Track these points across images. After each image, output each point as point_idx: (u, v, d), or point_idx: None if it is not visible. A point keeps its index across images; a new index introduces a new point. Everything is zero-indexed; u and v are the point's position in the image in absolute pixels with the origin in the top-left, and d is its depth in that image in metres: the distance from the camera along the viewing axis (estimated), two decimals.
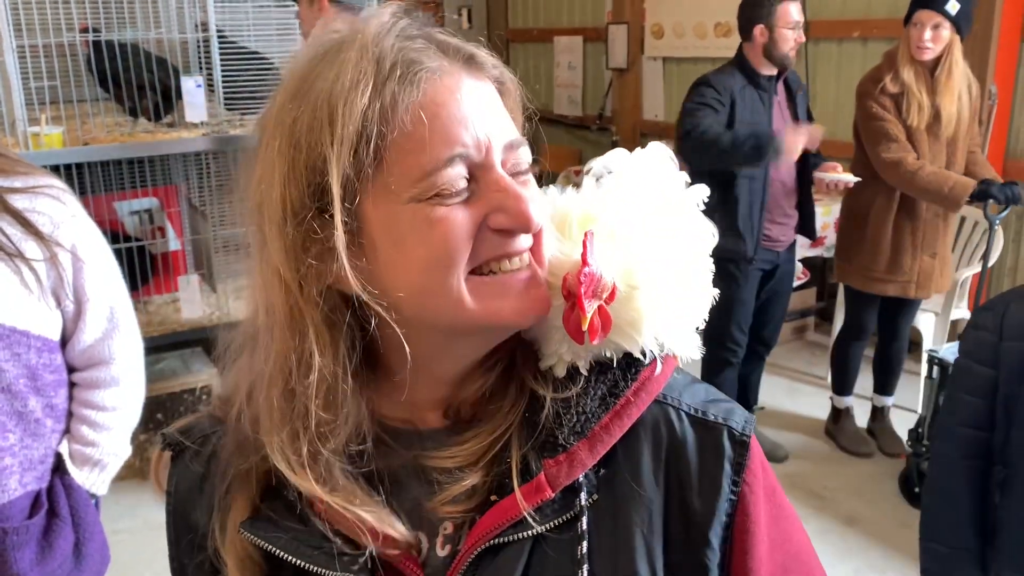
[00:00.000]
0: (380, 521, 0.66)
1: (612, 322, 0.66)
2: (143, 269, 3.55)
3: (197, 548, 0.74)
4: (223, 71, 3.15)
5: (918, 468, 3.20)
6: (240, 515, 0.69)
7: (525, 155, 0.67)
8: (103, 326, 1.49)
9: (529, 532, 0.65)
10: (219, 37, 3.15)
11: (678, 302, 0.69)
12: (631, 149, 0.76)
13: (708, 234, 0.73)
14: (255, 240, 0.66)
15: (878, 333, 3.62)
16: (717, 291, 0.73)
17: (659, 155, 0.75)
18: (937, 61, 3.10)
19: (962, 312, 3.89)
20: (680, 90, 5.88)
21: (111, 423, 1.53)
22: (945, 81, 3.09)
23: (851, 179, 3.25)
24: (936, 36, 3.04)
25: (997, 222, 3.21)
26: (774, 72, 3.17)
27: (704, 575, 0.68)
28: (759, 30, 3.10)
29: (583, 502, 0.66)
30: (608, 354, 0.69)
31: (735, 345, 3.31)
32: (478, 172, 0.64)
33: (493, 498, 0.67)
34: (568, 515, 0.66)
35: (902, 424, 3.67)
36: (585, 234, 0.66)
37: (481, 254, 0.64)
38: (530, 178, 0.68)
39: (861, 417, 3.76)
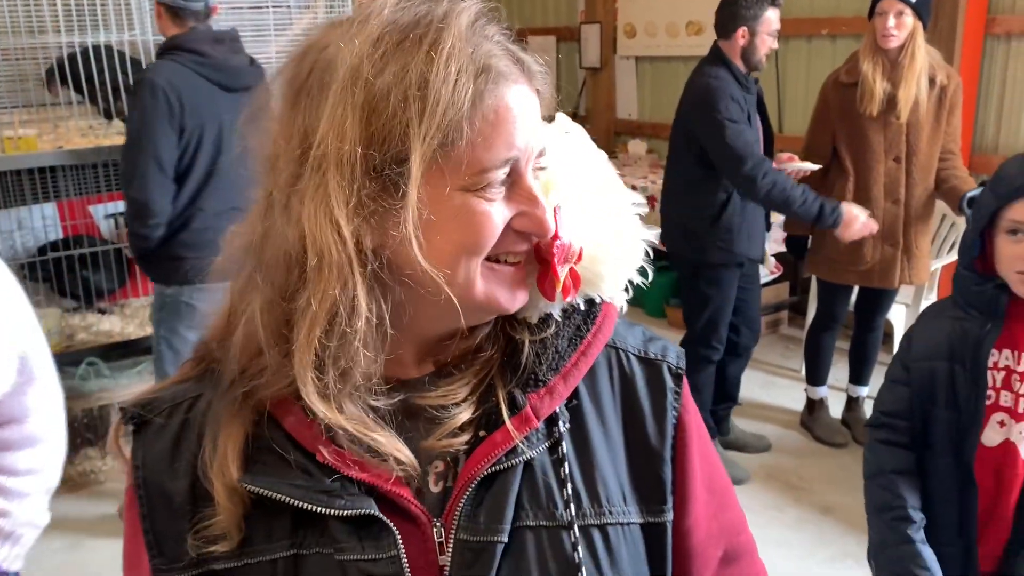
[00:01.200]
0: (391, 445, 0.71)
1: (581, 280, 0.77)
2: (119, 272, 3.53)
3: (177, 515, 0.74)
4: None
5: None
6: (233, 463, 0.71)
7: (545, 161, 0.75)
8: (12, 379, 1.32)
9: (520, 459, 0.73)
10: None
11: (622, 263, 0.83)
12: (606, 148, 0.83)
13: (636, 206, 0.85)
14: (299, 192, 0.68)
15: (854, 323, 3.68)
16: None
17: (581, 138, 0.85)
18: (900, 49, 3.17)
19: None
20: (653, 88, 5.94)
21: (26, 488, 1.35)
22: (908, 65, 3.15)
23: (810, 167, 3.29)
24: (900, 23, 3.12)
25: None
26: (748, 71, 3.24)
27: (662, 487, 0.80)
28: (741, 32, 3.15)
29: (562, 429, 0.76)
30: (578, 301, 0.80)
31: (720, 344, 3.39)
32: (516, 175, 0.71)
33: (482, 433, 0.74)
34: (550, 441, 0.75)
35: None
36: (555, 208, 0.75)
37: (500, 247, 0.71)
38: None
39: (836, 408, 3.82)
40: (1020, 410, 1.52)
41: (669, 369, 0.82)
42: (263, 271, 0.70)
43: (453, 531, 0.72)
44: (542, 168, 0.75)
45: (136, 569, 0.77)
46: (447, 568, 0.72)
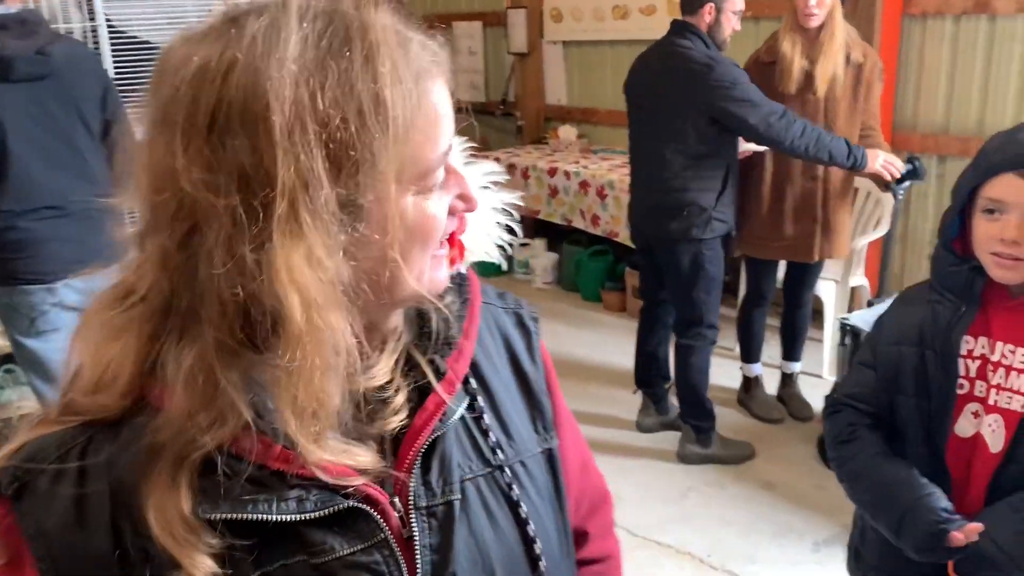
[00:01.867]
0: (368, 458, 0.71)
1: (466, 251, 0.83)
2: None
3: (102, 571, 0.66)
4: (114, 61, 3.01)
5: None
6: (181, 504, 0.64)
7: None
8: None
9: (453, 420, 0.77)
10: (108, 27, 3.01)
11: (491, 236, 0.96)
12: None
13: (492, 174, 0.95)
14: (256, 234, 0.61)
15: (783, 300, 3.75)
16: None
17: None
18: (820, 28, 3.23)
19: (859, 280, 4.06)
20: (582, 73, 5.94)
21: None
22: (828, 42, 3.21)
23: (755, 147, 3.33)
24: (820, 2, 3.18)
25: (901, 194, 3.36)
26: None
27: (546, 416, 0.89)
28: (708, 8, 3.16)
29: (474, 385, 0.82)
30: (462, 269, 0.86)
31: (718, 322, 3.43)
32: (447, 163, 0.71)
33: (413, 406, 0.75)
34: (468, 399, 0.80)
35: (808, 389, 3.82)
36: None
37: (443, 234, 0.73)
38: None
39: (772, 386, 3.89)
40: (991, 401, 1.46)
41: (528, 315, 0.92)
42: (206, 325, 0.64)
43: (411, 502, 0.73)
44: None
45: None
46: (415, 538, 0.73)
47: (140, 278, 0.67)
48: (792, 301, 3.71)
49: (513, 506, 0.80)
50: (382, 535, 0.71)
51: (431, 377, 0.76)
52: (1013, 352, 1.43)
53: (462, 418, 0.79)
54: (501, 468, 0.80)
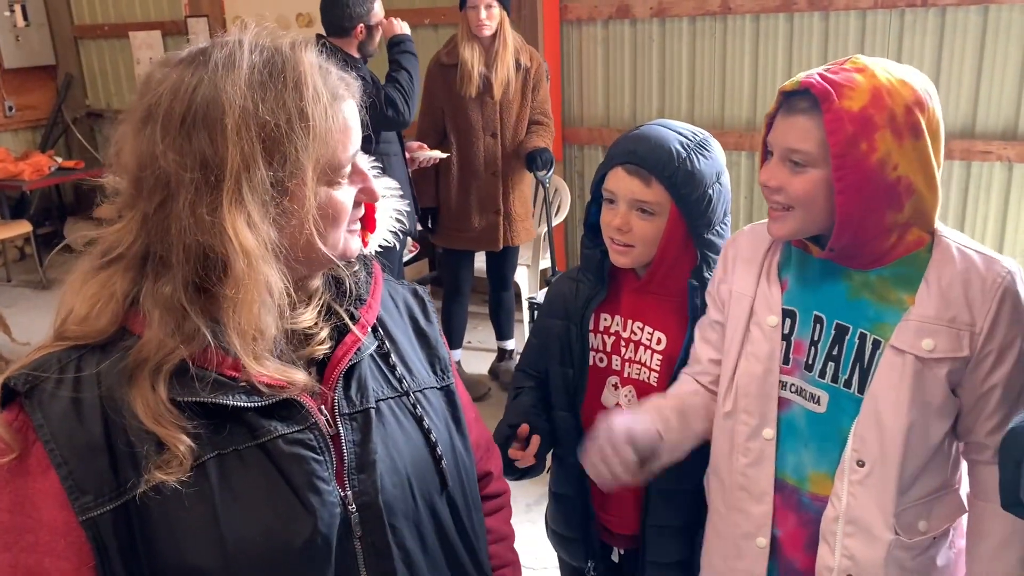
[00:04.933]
0: (300, 375, 0.93)
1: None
2: None
3: (96, 456, 0.86)
4: None
5: None
6: (161, 395, 0.86)
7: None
8: None
9: (365, 353, 1.02)
10: None
11: (388, 227, 1.22)
12: None
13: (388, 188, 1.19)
14: (212, 202, 0.86)
15: (488, 287, 4.04)
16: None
17: None
18: (493, 37, 3.54)
19: (547, 262, 4.46)
20: None
21: None
22: (501, 51, 3.57)
23: (439, 155, 3.60)
24: (490, 15, 3.50)
25: (547, 182, 3.78)
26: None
27: (444, 365, 1.15)
28: (359, 29, 3.37)
29: (381, 331, 1.07)
30: (368, 250, 1.12)
31: None
32: (355, 164, 0.96)
33: (333, 343, 0.99)
34: (376, 341, 1.05)
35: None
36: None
37: (353, 216, 0.98)
38: None
39: (484, 365, 4.17)
40: (625, 374, 1.58)
41: (421, 289, 1.20)
42: (176, 268, 0.87)
43: (336, 409, 0.97)
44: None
45: (23, 532, 0.86)
46: (341, 434, 0.97)
47: (121, 238, 0.90)
48: (496, 285, 4.02)
49: (418, 420, 1.05)
50: (312, 420, 0.94)
51: (347, 320, 1.01)
52: (641, 329, 1.57)
53: (372, 355, 1.04)
54: (407, 394, 1.06)
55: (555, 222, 4.34)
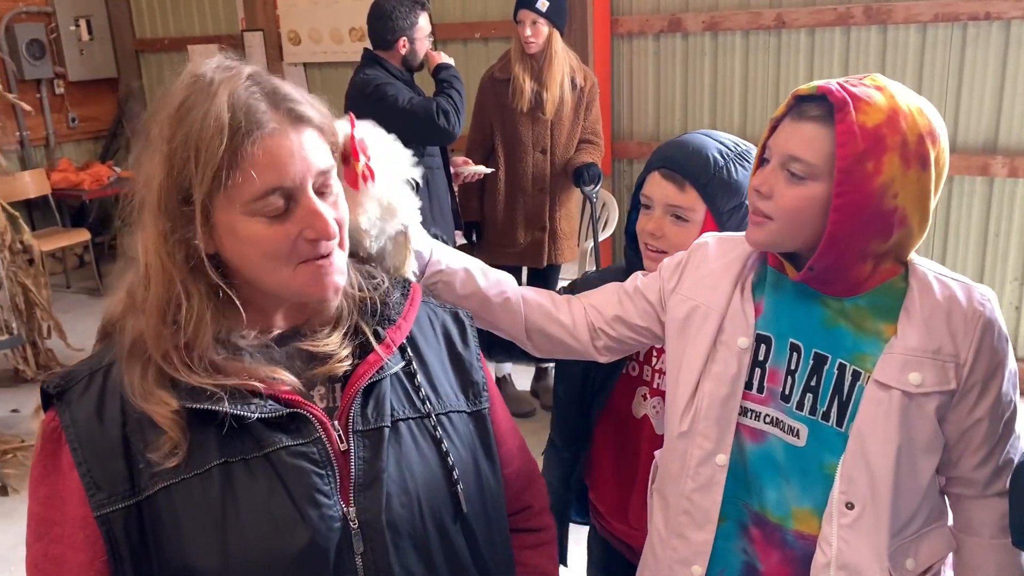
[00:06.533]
0: (266, 371, 0.95)
1: (376, 175, 1.10)
2: None
3: (113, 457, 0.92)
4: None
5: None
6: (165, 395, 0.92)
7: (333, 173, 0.98)
8: None
9: (387, 373, 1.02)
10: None
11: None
12: None
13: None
14: (139, 223, 0.95)
15: None
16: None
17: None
18: (543, 53, 3.52)
19: None
20: (326, 94, 5.93)
21: None
22: (548, 69, 3.53)
23: (484, 170, 3.59)
24: (536, 31, 3.47)
25: (594, 197, 3.75)
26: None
27: (476, 385, 1.13)
28: (402, 42, 3.36)
29: (409, 352, 1.07)
30: (415, 273, 1.19)
31: None
32: (295, 197, 0.93)
33: (357, 361, 1.02)
34: (404, 362, 1.06)
35: None
36: (350, 113, 1.09)
37: (301, 254, 0.95)
38: (338, 190, 0.99)
39: (526, 382, 4.14)
40: (655, 384, 1.56)
41: (464, 313, 1.19)
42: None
43: (350, 427, 0.98)
44: (327, 185, 0.96)
45: (53, 525, 0.93)
46: (351, 450, 0.97)
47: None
48: None
49: (437, 442, 1.04)
50: (318, 435, 0.96)
51: (372, 340, 1.03)
52: None
53: (398, 374, 1.04)
54: (428, 415, 1.04)
55: (602, 237, 4.30)
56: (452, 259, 1.34)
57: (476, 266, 1.38)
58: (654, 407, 1.57)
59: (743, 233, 1.27)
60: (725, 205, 1.45)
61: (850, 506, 1.18)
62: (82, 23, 6.64)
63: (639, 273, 1.43)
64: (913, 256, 1.22)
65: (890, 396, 1.16)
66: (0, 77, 5.99)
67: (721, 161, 1.45)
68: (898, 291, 1.20)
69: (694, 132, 1.54)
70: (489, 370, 1.18)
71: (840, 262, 1.16)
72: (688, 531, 1.31)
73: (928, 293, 1.19)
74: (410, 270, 1.22)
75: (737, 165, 1.46)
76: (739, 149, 1.49)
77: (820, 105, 1.15)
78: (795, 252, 1.21)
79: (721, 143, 1.48)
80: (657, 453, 1.45)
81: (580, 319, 1.41)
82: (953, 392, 1.17)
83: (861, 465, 1.17)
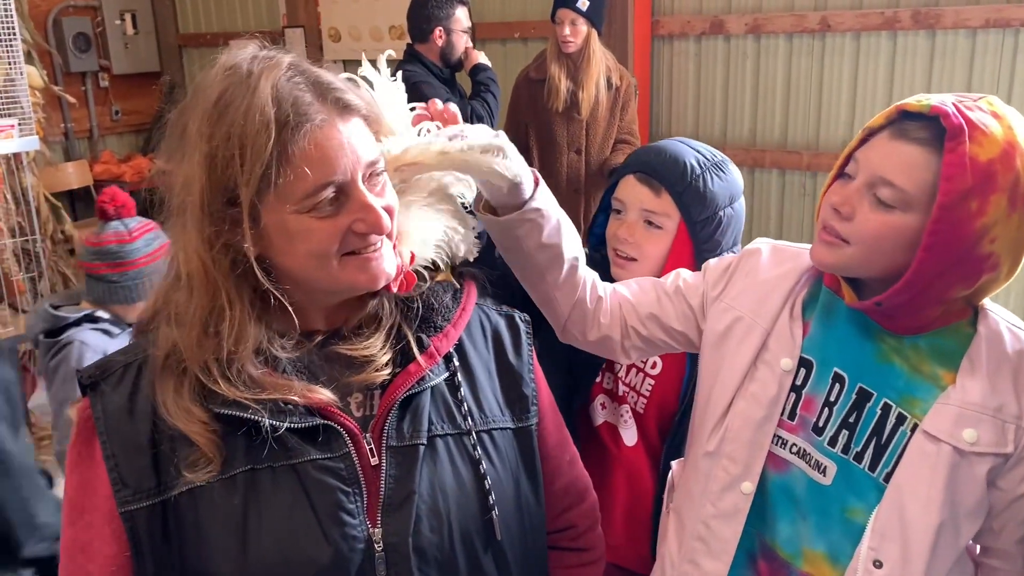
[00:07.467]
0: (302, 388, 0.91)
1: (414, 282, 1.03)
2: None
3: (140, 453, 0.90)
4: None
5: None
6: (195, 402, 0.89)
7: (381, 165, 0.94)
8: None
9: (428, 385, 0.97)
10: None
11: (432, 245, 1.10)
12: None
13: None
14: (178, 226, 0.91)
15: None
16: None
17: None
18: (580, 53, 3.49)
19: None
20: None
21: None
22: (585, 68, 3.50)
23: None
24: (575, 31, 3.45)
25: None
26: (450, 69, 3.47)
27: (525, 400, 1.06)
28: (438, 32, 3.33)
29: (456, 363, 1.01)
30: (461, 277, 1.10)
31: None
32: (345, 190, 0.90)
33: (397, 370, 0.97)
34: (448, 372, 1.00)
35: None
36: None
37: (349, 245, 0.91)
38: (384, 179, 0.95)
39: None
40: (620, 393, 1.53)
41: (520, 318, 1.11)
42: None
43: (383, 441, 0.94)
44: (378, 174, 0.93)
45: (84, 512, 0.93)
46: (382, 467, 0.93)
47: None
48: None
49: (475, 463, 0.98)
50: (347, 450, 0.92)
51: (414, 348, 0.98)
52: None
53: (440, 386, 0.99)
54: (468, 433, 0.99)
55: None
56: (551, 204, 1.20)
57: (567, 222, 1.25)
58: (622, 416, 1.53)
59: (802, 245, 1.19)
60: (699, 215, 1.43)
61: (878, 564, 1.07)
62: (127, 17, 6.73)
63: (681, 270, 1.34)
64: (986, 301, 1.11)
65: (939, 450, 1.05)
66: (47, 69, 6.08)
67: (698, 170, 1.44)
68: (964, 336, 1.09)
69: (672, 139, 1.53)
70: (543, 379, 1.11)
71: (916, 302, 1.05)
72: (701, 559, 1.21)
73: (997, 344, 1.07)
74: (500, 178, 1.06)
75: (713, 175, 1.45)
76: (716, 159, 1.48)
77: (928, 127, 1.01)
78: (861, 278, 1.11)
79: (698, 152, 1.47)
80: (675, 466, 1.38)
81: (616, 318, 1.31)
82: (1008, 456, 1.05)
83: (896, 522, 1.06)
